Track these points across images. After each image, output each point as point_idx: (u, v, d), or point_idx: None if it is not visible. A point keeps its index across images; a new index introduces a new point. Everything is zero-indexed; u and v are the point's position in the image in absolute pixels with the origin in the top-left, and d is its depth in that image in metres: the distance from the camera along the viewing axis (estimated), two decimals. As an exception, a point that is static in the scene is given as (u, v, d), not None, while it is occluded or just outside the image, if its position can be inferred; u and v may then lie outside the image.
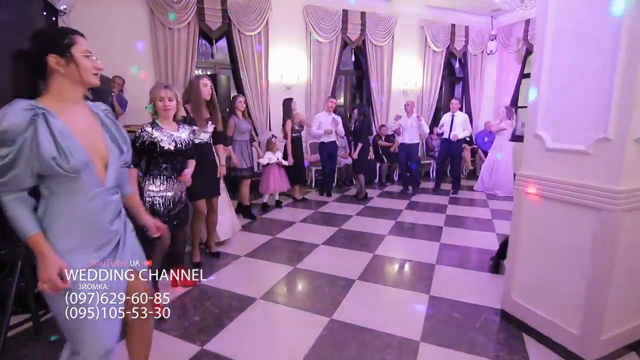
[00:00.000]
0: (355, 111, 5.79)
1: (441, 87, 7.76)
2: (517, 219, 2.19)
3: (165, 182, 2.34)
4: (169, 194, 2.35)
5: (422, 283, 2.83)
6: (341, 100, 7.69)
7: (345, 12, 6.46)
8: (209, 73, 6.18)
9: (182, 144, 2.32)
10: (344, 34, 6.54)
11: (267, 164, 4.80)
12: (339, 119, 5.47)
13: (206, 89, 3.00)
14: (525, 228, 2.14)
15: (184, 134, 2.37)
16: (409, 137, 5.90)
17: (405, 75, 7.29)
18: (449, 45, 7.49)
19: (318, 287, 2.79)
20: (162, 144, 2.24)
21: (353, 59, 6.83)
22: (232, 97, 4.63)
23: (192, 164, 2.53)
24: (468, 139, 7.44)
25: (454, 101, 6.05)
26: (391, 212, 4.84)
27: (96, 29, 4.98)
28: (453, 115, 5.93)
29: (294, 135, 5.05)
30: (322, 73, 6.50)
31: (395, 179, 7.02)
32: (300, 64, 6.39)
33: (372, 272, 3.03)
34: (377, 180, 6.88)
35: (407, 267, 3.21)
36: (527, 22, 7.07)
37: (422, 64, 7.40)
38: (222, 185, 3.45)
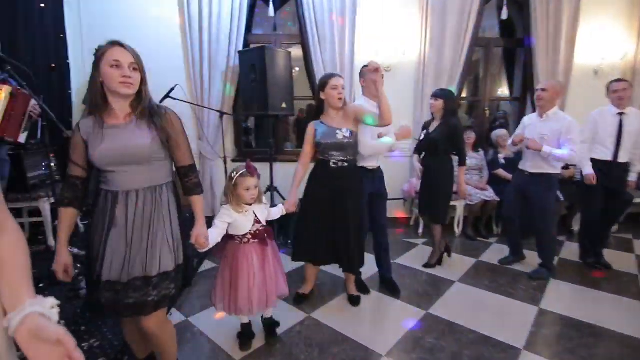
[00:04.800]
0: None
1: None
2: None
3: None
4: None
5: None
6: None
7: None
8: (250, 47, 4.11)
9: None
10: (489, -26, 3.79)
11: (234, 236, 1.84)
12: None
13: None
14: None
15: None
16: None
17: (602, 44, 4.08)
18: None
19: None
20: None
21: (504, 15, 3.94)
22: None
23: None
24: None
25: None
26: None
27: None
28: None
29: (323, 156, 2.27)
30: (447, 43, 3.84)
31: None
32: (409, 29, 3.87)
33: None
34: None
35: None
36: None
37: (635, 26, 4.08)
38: None
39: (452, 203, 3.80)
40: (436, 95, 2.85)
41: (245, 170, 1.77)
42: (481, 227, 3.91)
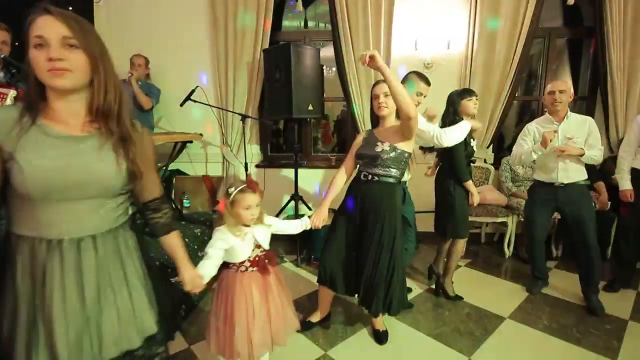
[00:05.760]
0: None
1: None
2: None
3: None
4: None
5: None
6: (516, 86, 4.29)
7: None
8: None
9: None
10: (553, -48, 3.23)
11: (229, 264, 1.53)
12: None
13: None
14: None
15: None
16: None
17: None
18: None
19: None
20: None
21: (571, 0, 3.35)
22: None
23: None
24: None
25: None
26: None
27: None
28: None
29: (359, 167, 2.00)
30: (500, 34, 3.34)
31: None
32: (454, 19, 3.42)
33: None
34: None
35: None
36: None
37: None
38: None
39: (503, 219, 3.34)
40: (476, 94, 2.41)
41: (245, 185, 1.49)
42: (523, 249, 3.34)
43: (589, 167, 2.48)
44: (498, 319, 2.31)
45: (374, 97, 1.95)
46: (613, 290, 2.68)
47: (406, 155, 1.91)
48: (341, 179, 2.03)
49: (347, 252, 1.97)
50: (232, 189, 1.48)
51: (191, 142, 3.33)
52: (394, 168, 1.90)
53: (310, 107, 3.16)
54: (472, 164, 2.51)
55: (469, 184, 2.37)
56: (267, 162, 3.88)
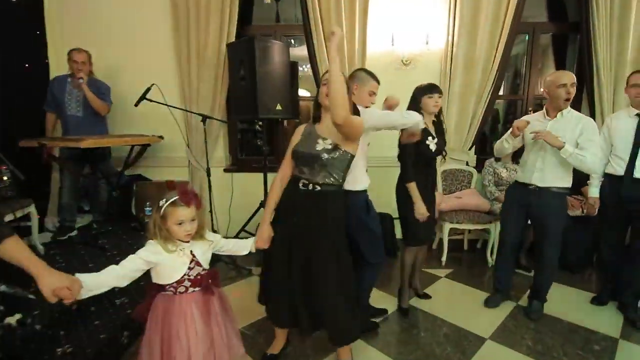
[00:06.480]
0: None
1: None
2: None
3: None
4: None
5: None
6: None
7: None
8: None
9: None
10: (536, -58, 3.04)
11: (164, 286, 1.29)
12: None
13: None
14: None
15: None
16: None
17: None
18: None
19: None
20: None
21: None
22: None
23: None
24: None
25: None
26: None
27: None
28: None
29: (296, 171, 1.70)
30: (481, 28, 3.13)
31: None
32: (433, 13, 3.20)
33: None
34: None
35: None
36: None
37: None
38: None
39: (485, 226, 3.15)
40: (440, 92, 2.17)
41: (177, 197, 1.25)
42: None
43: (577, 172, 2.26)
44: (478, 340, 2.09)
45: (322, 83, 1.65)
46: (601, 303, 2.50)
47: (349, 157, 1.64)
48: (281, 183, 1.72)
49: (287, 283, 1.65)
50: (163, 200, 1.26)
51: (149, 145, 3.06)
52: (335, 173, 1.62)
53: (279, 107, 2.90)
54: (429, 165, 2.23)
55: (411, 187, 2.11)
56: (237, 166, 3.62)
